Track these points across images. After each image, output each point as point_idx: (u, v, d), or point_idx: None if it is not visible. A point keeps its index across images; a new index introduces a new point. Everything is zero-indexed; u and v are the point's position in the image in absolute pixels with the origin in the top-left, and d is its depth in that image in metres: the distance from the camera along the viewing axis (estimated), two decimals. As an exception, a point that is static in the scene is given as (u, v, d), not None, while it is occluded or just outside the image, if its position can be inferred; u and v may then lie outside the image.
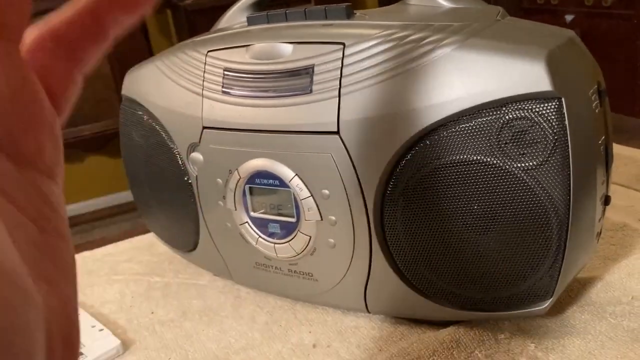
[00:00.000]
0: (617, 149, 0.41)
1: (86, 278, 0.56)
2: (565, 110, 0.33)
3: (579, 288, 0.42)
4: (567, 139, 0.33)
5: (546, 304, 0.37)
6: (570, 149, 0.33)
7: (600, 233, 0.39)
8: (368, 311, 0.43)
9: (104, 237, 0.66)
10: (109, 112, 2.23)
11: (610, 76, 0.38)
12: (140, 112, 0.50)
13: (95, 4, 0.18)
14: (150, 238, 0.61)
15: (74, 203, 2.60)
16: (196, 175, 0.46)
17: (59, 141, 0.19)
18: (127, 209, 2.39)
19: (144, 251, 0.61)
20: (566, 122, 0.33)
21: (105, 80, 2.24)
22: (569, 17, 1.89)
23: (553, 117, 0.33)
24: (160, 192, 0.51)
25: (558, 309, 0.40)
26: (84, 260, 0.60)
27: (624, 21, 1.74)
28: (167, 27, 2.62)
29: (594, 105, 0.35)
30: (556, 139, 0.33)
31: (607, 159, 0.37)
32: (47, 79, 0.18)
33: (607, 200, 0.38)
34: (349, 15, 0.41)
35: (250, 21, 0.45)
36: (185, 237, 0.51)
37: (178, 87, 0.46)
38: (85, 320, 0.49)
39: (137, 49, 2.24)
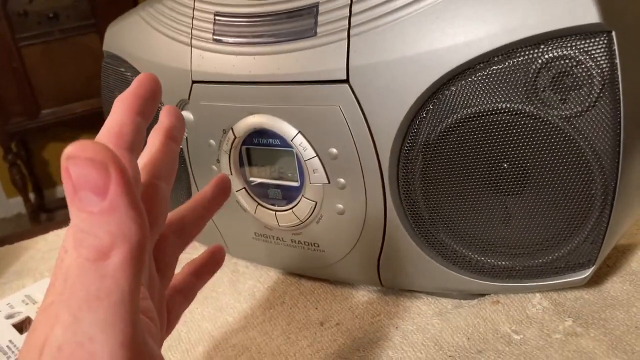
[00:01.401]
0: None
1: (70, 254, 0.52)
2: (616, 47, 0.28)
3: (617, 256, 0.38)
4: (617, 81, 0.28)
5: (587, 273, 0.33)
6: (621, 93, 0.28)
7: (647, 192, 0.35)
8: (382, 284, 0.38)
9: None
10: (100, 89, 2.17)
11: None
12: (123, 69, 0.45)
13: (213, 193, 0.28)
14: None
15: (67, 183, 2.55)
16: (186, 137, 0.41)
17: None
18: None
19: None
20: (617, 61, 0.28)
21: (95, 56, 2.17)
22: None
23: (601, 54, 0.28)
24: (148, 157, 0.46)
25: (596, 280, 0.36)
26: (68, 236, 0.56)
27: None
28: (158, 1, 2.54)
29: (648, 40, 0.30)
30: (604, 81, 0.28)
31: (660, 106, 0.33)
32: (160, 257, 0.24)
33: (656, 155, 0.33)
34: (358, -54, 0.35)
35: (244, -40, 0.40)
36: (175, 206, 0.46)
37: (164, 38, 0.41)
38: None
39: (128, 23, 2.17)
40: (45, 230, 0.57)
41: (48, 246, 0.54)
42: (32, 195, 2.41)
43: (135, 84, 0.23)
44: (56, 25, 2.11)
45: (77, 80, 2.20)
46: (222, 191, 0.29)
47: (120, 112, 0.21)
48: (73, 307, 0.15)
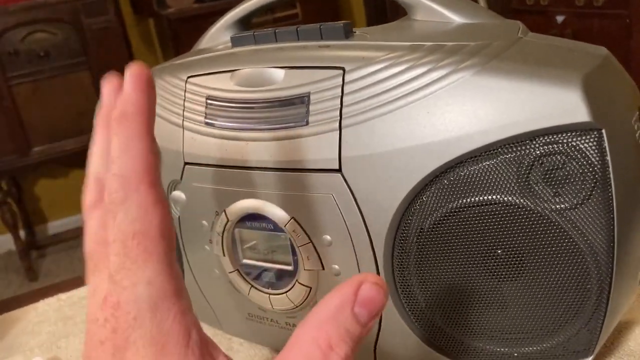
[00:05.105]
0: None
1: (61, 326, 0.51)
2: (606, 144, 0.28)
3: (614, 335, 0.37)
4: (609, 176, 0.29)
5: (585, 363, 0.33)
6: (613, 188, 0.29)
7: (642, 276, 0.34)
8: (378, 369, 0.38)
9: (80, 276, 0.61)
10: (91, 125, 2.15)
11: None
12: (115, 145, 0.45)
13: None
14: (131, 276, 0.56)
15: (59, 219, 2.53)
16: (179, 216, 0.41)
17: None
18: (112, 224, 2.32)
19: (124, 292, 0.55)
20: (608, 157, 0.28)
21: (86, 93, 2.18)
22: (559, 18, 1.86)
23: (592, 151, 0.28)
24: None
25: (594, 362, 0.35)
26: (59, 305, 0.55)
27: (616, 21, 1.71)
28: (150, 37, 2.56)
29: (637, 134, 0.31)
30: (596, 177, 0.29)
31: (652, 194, 0.33)
32: None
33: (651, 241, 0.33)
34: (348, 34, 0.36)
35: (235, 42, 0.40)
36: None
37: (156, 118, 0.41)
38: (57, 381, 0.44)
39: (120, 60, 2.18)
40: (35, 298, 0.56)
41: (38, 317, 0.53)
42: (22, 232, 2.38)
43: (136, 91, 0.22)
44: (47, 64, 2.12)
45: (68, 117, 2.20)
46: None
47: (136, 139, 0.22)
48: None
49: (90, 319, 0.21)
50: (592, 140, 0.28)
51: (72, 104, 2.18)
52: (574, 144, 0.29)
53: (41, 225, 2.53)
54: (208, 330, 0.46)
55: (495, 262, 0.32)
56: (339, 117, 0.33)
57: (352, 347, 0.20)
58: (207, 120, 0.38)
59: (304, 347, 0.20)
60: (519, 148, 0.29)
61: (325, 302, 0.21)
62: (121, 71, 0.25)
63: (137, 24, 2.49)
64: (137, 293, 0.20)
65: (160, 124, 0.40)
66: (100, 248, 0.22)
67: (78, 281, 0.59)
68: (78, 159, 2.26)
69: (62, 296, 0.56)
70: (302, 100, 0.34)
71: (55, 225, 2.53)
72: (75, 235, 2.42)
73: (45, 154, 2.18)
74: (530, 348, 0.34)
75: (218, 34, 0.46)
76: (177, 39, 2.27)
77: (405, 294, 0.34)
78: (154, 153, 0.22)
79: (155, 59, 2.54)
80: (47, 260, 2.39)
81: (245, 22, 0.45)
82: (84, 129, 2.20)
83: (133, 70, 0.23)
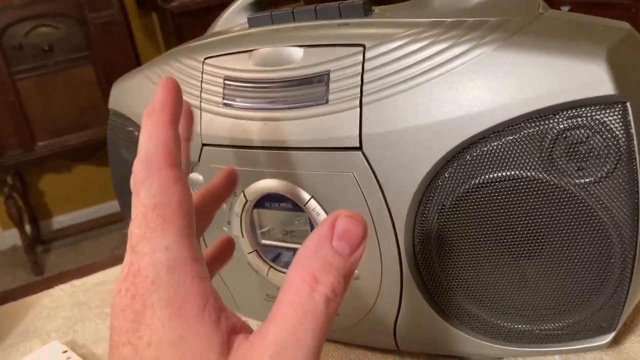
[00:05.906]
0: None
1: (76, 312, 0.51)
2: (630, 117, 0.28)
3: (634, 313, 0.37)
4: (633, 150, 0.28)
5: (607, 339, 0.33)
6: (637, 161, 0.29)
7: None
8: (398, 348, 0.38)
9: (94, 262, 0.61)
10: (95, 120, 2.17)
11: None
12: (131, 128, 0.45)
13: None
14: (145, 262, 0.56)
15: (63, 214, 2.53)
16: (196, 198, 0.41)
17: None
18: (116, 218, 2.33)
19: (138, 278, 0.55)
20: (632, 131, 0.28)
21: (90, 88, 2.18)
22: (565, 8, 1.86)
23: (617, 124, 0.28)
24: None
25: (614, 339, 0.35)
26: (73, 291, 0.55)
27: (622, 11, 1.70)
28: (153, 31, 2.56)
29: (661, 108, 0.30)
30: (621, 151, 0.28)
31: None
32: None
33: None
34: (367, 12, 0.36)
35: (252, 22, 0.40)
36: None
37: (172, 100, 0.41)
38: (76, 364, 0.44)
39: (123, 54, 2.18)
40: (49, 284, 0.56)
41: (53, 303, 0.53)
42: (28, 227, 2.38)
43: (163, 93, 0.26)
44: (51, 58, 2.11)
45: (72, 112, 2.20)
46: (231, 182, 0.33)
47: (160, 128, 0.25)
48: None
49: (114, 293, 0.22)
50: (616, 113, 0.28)
51: (76, 98, 2.18)
52: (598, 117, 0.28)
53: (46, 220, 2.54)
54: (224, 313, 0.46)
55: (517, 238, 0.32)
56: (359, 95, 0.33)
57: (338, 278, 0.21)
58: (225, 101, 0.38)
59: (292, 285, 0.21)
60: (541, 122, 0.29)
61: (305, 243, 0.22)
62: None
63: (140, 18, 2.48)
64: (156, 258, 0.21)
65: (177, 105, 0.40)
66: None
67: (91, 268, 0.59)
68: (81, 154, 2.26)
69: (76, 282, 0.56)
70: (322, 78, 0.34)
71: (60, 220, 2.53)
72: (80, 230, 2.42)
73: (49, 149, 2.18)
74: (552, 324, 0.34)
75: (232, 17, 0.46)
76: (181, 32, 2.26)
77: (426, 271, 0.35)
78: (176, 141, 0.25)
79: (159, 53, 2.53)
80: (52, 255, 2.40)
81: (259, 5, 0.45)
82: (88, 124, 2.20)
83: (163, 80, 0.27)
